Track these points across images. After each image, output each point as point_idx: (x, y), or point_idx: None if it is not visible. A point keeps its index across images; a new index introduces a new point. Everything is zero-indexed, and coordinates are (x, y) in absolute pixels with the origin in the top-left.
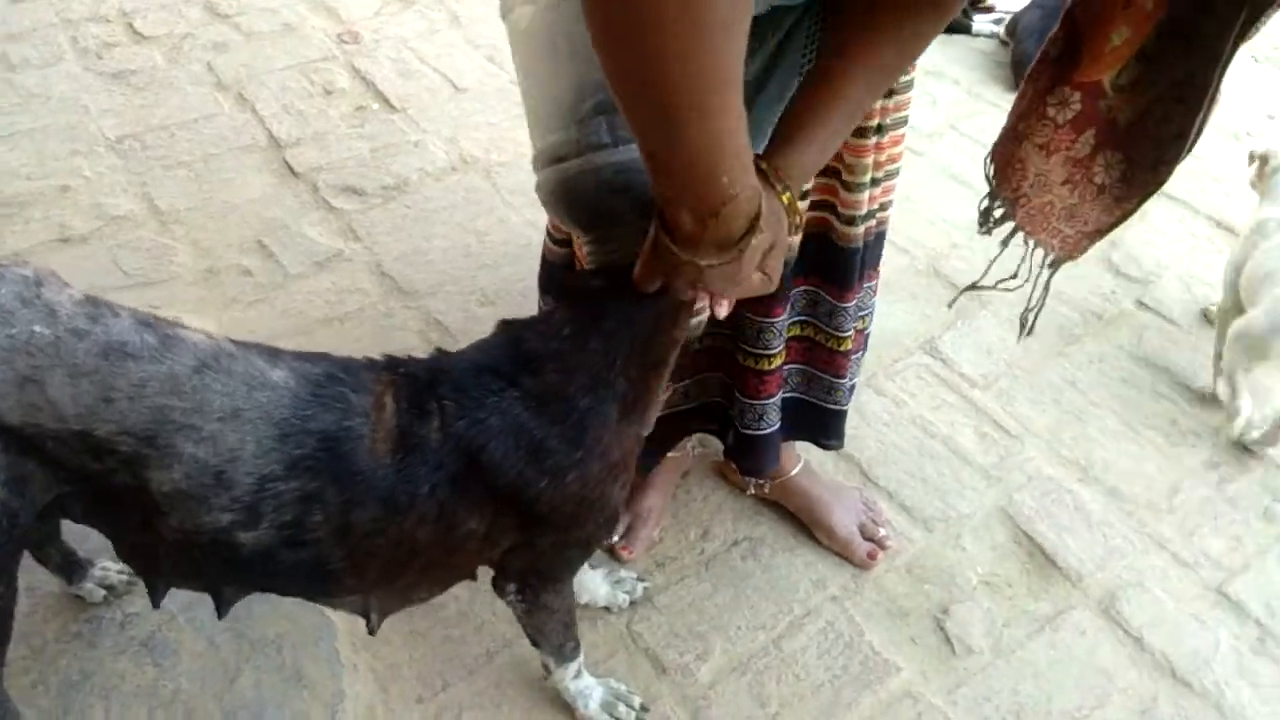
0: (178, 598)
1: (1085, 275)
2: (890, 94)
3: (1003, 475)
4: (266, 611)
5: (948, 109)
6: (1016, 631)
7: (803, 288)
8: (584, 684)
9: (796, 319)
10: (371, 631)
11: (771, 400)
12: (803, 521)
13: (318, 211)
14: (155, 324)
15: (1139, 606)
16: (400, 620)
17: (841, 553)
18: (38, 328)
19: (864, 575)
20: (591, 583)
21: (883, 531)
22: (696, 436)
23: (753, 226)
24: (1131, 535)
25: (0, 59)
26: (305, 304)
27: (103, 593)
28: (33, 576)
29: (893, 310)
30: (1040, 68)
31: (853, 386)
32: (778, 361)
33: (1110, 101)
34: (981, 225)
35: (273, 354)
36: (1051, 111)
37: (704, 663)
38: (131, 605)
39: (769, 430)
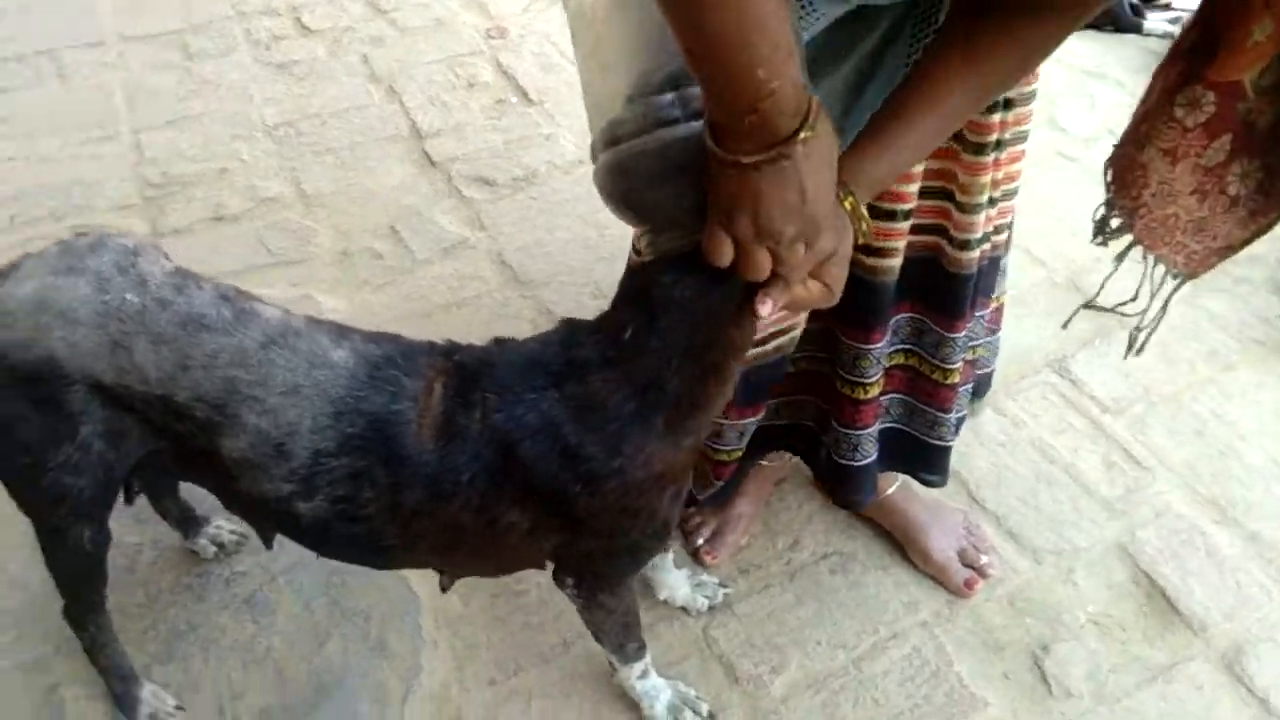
0: (280, 560)
1: (1248, 296)
2: (1009, 105)
3: (1128, 509)
4: (360, 582)
5: (1106, 112)
6: (1124, 679)
7: (907, 314)
8: (650, 684)
9: (899, 347)
10: (443, 589)
11: (867, 431)
12: (898, 541)
13: (449, 200)
14: (234, 298)
15: (1268, 664)
16: (484, 602)
17: (937, 577)
18: (129, 295)
19: (959, 603)
20: (672, 581)
21: (984, 559)
22: None
23: (803, 124)
24: (1270, 585)
25: (181, 48)
26: (429, 289)
27: (214, 549)
28: (157, 530)
29: (1022, 325)
30: (1170, 63)
31: (960, 420)
32: (874, 391)
33: (1250, 104)
34: (1096, 235)
35: (340, 334)
36: (1180, 113)
37: (778, 676)
38: (239, 564)
39: (864, 462)
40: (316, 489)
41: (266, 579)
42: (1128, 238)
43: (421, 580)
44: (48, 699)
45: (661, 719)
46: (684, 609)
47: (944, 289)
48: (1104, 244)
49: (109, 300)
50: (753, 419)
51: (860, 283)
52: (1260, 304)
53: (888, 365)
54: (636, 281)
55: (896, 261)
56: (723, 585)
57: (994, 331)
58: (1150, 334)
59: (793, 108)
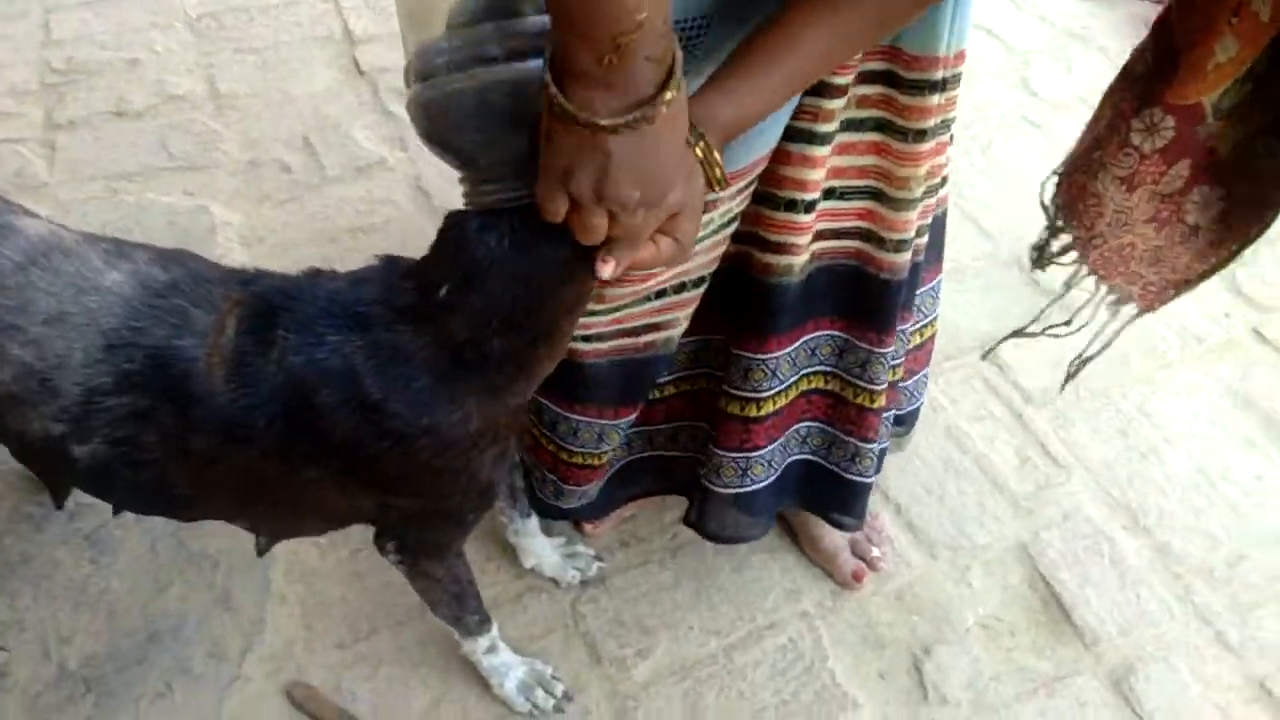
0: None
1: (1199, 292)
2: (944, 87)
3: (1035, 508)
4: (212, 527)
5: (1084, 79)
6: (1005, 688)
7: (827, 333)
8: (500, 660)
9: (818, 369)
10: (259, 553)
11: (758, 454)
12: (791, 525)
13: (373, 114)
14: None
15: (1158, 686)
16: (342, 557)
17: (825, 566)
18: None
19: (845, 595)
20: (540, 550)
21: (877, 551)
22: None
23: (665, 83)
24: (1172, 603)
25: None
26: (336, 209)
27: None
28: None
29: (957, 301)
30: (1123, 85)
31: (882, 453)
32: (768, 408)
33: (1210, 128)
34: (1035, 263)
35: (119, 253)
36: (1137, 139)
37: (644, 660)
38: (86, 497)
39: (752, 488)
40: (93, 430)
41: (113, 516)
42: (1072, 262)
43: None
44: None
45: (511, 698)
46: (554, 580)
47: (871, 298)
48: (1042, 269)
49: None
50: (614, 421)
51: (752, 283)
52: (1211, 301)
53: (806, 389)
54: (452, 235)
55: (797, 260)
56: (598, 558)
57: (921, 369)
58: (1084, 364)
59: (659, 50)
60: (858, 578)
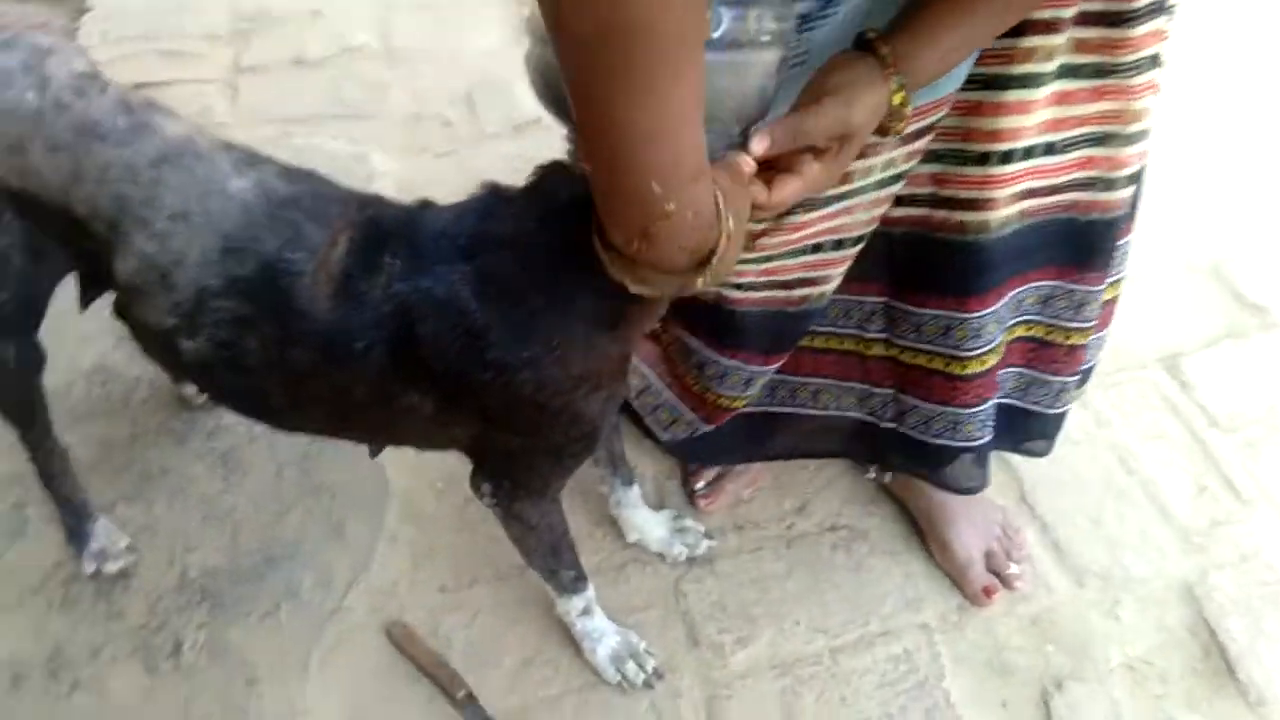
0: None
1: None
2: (1159, 11)
3: (1207, 545)
4: (336, 458)
5: None
6: None
7: (1034, 284)
8: (594, 625)
9: (1021, 319)
10: (372, 455)
11: (967, 411)
12: (920, 527)
13: None
14: (136, 108)
15: None
16: (456, 504)
17: (954, 576)
18: (29, 95)
19: (972, 611)
20: (647, 523)
21: (1014, 569)
22: None
23: (707, 260)
24: None
25: None
26: (490, 165)
27: (203, 397)
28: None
29: (1138, 309)
30: None
31: (1088, 372)
32: (974, 368)
33: None
34: None
35: (249, 162)
36: None
37: (743, 649)
38: (225, 417)
39: (965, 444)
40: (200, 328)
41: (247, 438)
42: None
43: (399, 470)
44: (12, 515)
45: (602, 666)
46: (660, 556)
47: (1090, 242)
48: None
49: (8, 98)
50: (763, 368)
51: (940, 244)
52: None
53: (1007, 339)
54: (542, 181)
55: (993, 215)
56: (708, 537)
57: (1104, 329)
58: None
59: (694, 241)
60: (989, 594)
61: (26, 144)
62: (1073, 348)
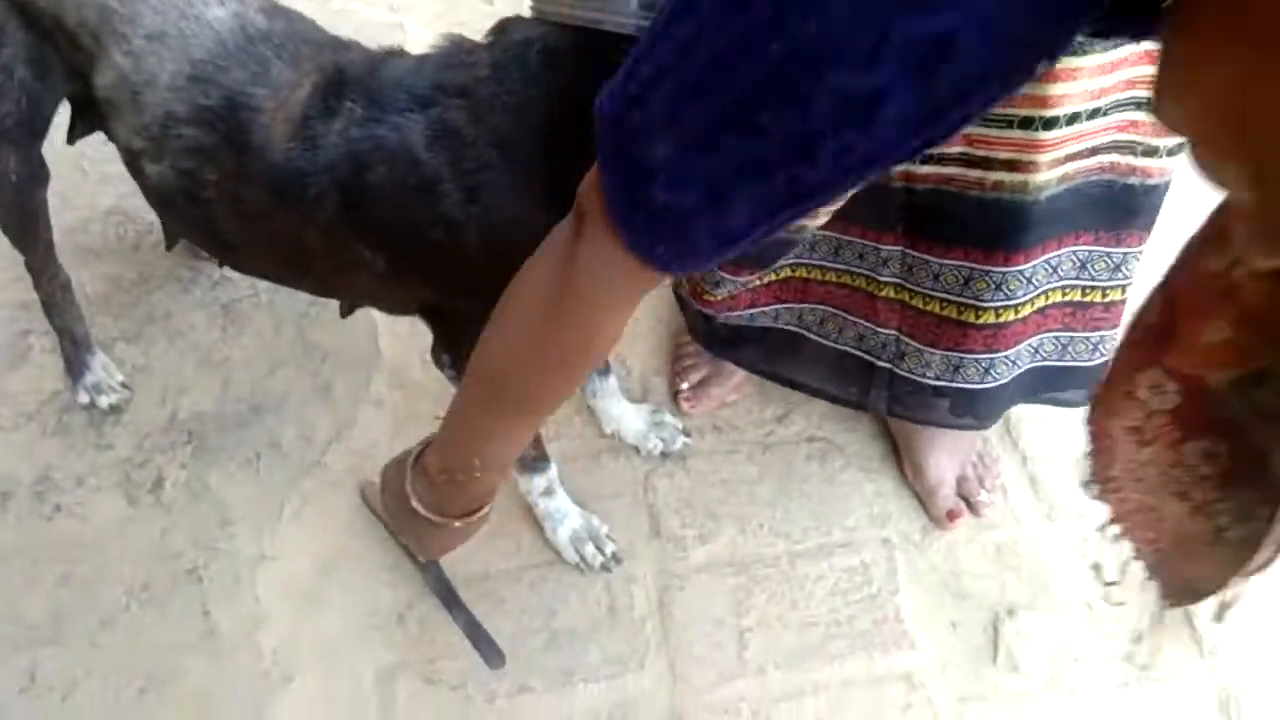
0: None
1: None
2: None
3: None
4: (331, 321)
5: None
6: (1090, 673)
7: (1071, 249)
8: (555, 505)
9: (1057, 284)
10: (343, 314)
11: (972, 356)
12: (898, 447)
13: None
14: None
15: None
16: (442, 377)
17: (923, 497)
18: None
19: (936, 534)
20: (625, 414)
21: (985, 496)
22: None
23: (471, 515)
24: None
25: None
26: None
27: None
28: None
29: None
30: (1131, 333)
31: None
32: (988, 319)
33: (1234, 412)
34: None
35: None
36: (1143, 394)
37: (703, 545)
38: (230, 271)
39: (964, 385)
40: (164, 153)
41: (250, 292)
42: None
43: (390, 339)
44: (16, 341)
45: (562, 545)
46: (635, 448)
47: (1132, 204)
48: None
49: None
50: (736, 279)
51: (973, 201)
52: None
53: (1042, 305)
54: (506, 33)
55: (1034, 178)
56: (685, 434)
57: None
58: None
59: (470, 505)
60: (953, 517)
61: None
62: (1110, 304)
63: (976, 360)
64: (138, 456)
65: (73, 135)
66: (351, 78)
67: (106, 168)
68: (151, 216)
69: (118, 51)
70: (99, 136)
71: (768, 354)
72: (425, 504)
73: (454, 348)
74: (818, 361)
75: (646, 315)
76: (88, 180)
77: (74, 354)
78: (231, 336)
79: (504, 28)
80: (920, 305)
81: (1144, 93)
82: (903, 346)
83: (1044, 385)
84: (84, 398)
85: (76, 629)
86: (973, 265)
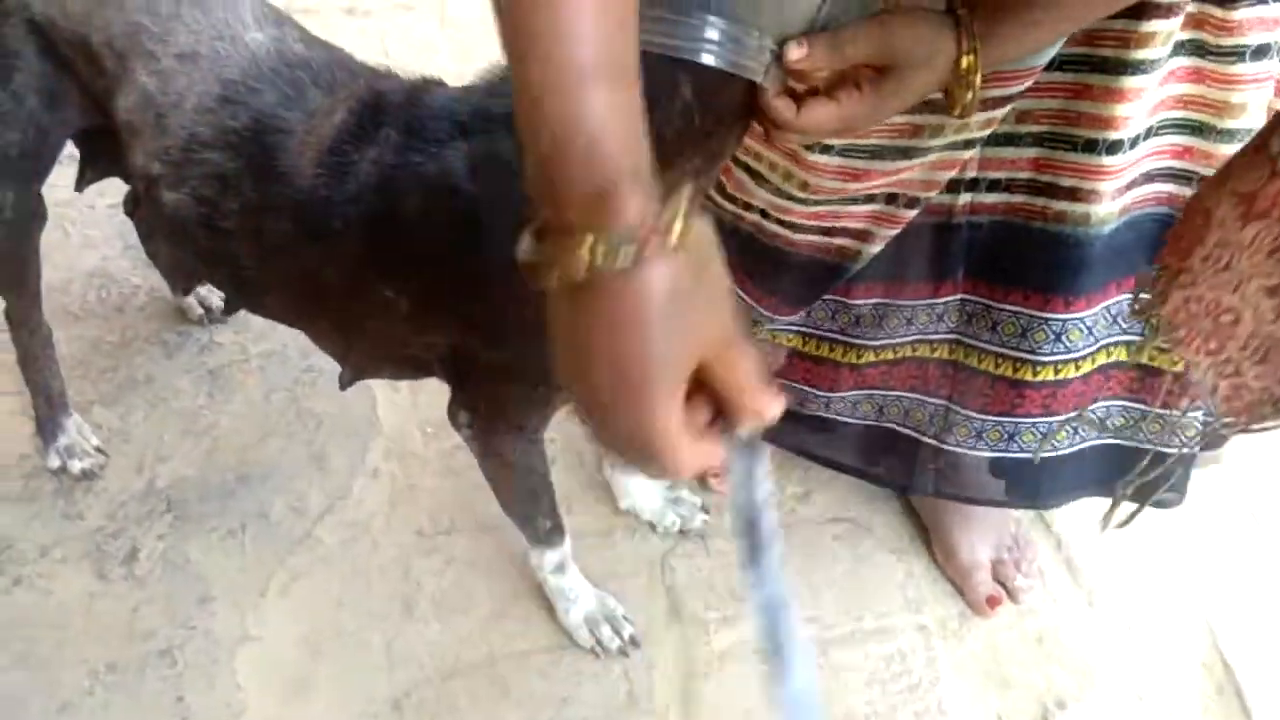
0: (262, 344)
1: None
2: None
3: (1229, 580)
4: (329, 387)
5: None
6: None
7: (1130, 295)
8: (568, 584)
9: (1119, 338)
10: (342, 385)
11: (1029, 421)
12: (926, 528)
13: None
14: None
15: None
16: (445, 449)
17: (958, 582)
18: None
19: (974, 621)
20: (641, 489)
21: (1022, 581)
22: None
23: (638, 257)
24: None
25: None
26: None
27: (200, 311)
28: (153, 276)
29: None
30: None
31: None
32: (1046, 375)
33: None
34: (1134, 303)
35: (275, 22)
36: (1277, 146)
37: (728, 629)
38: (221, 335)
39: (1017, 455)
40: (184, 180)
41: (240, 357)
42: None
43: (390, 407)
44: None
45: (575, 627)
46: (651, 525)
47: None
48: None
49: None
50: (772, 315)
51: (1032, 234)
52: None
53: (1104, 363)
54: None
55: (1097, 209)
56: (704, 511)
57: None
58: (1141, 508)
59: (591, 192)
60: (992, 604)
61: None
62: (1180, 375)
63: (1034, 425)
64: (110, 526)
65: (81, 181)
66: (390, 104)
67: (90, 230)
68: (137, 279)
69: (144, 71)
70: (83, 196)
71: (795, 431)
72: (556, 270)
73: (474, 405)
74: (853, 440)
75: None
76: (69, 241)
77: (47, 415)
78: (219, 403)
79: None
80: (975, 364)
81: (1195, 114)
82: (952, 417)
83: (1117, 470)
84: (55, 462)
85: (33, 714)
86: (1032, 313)
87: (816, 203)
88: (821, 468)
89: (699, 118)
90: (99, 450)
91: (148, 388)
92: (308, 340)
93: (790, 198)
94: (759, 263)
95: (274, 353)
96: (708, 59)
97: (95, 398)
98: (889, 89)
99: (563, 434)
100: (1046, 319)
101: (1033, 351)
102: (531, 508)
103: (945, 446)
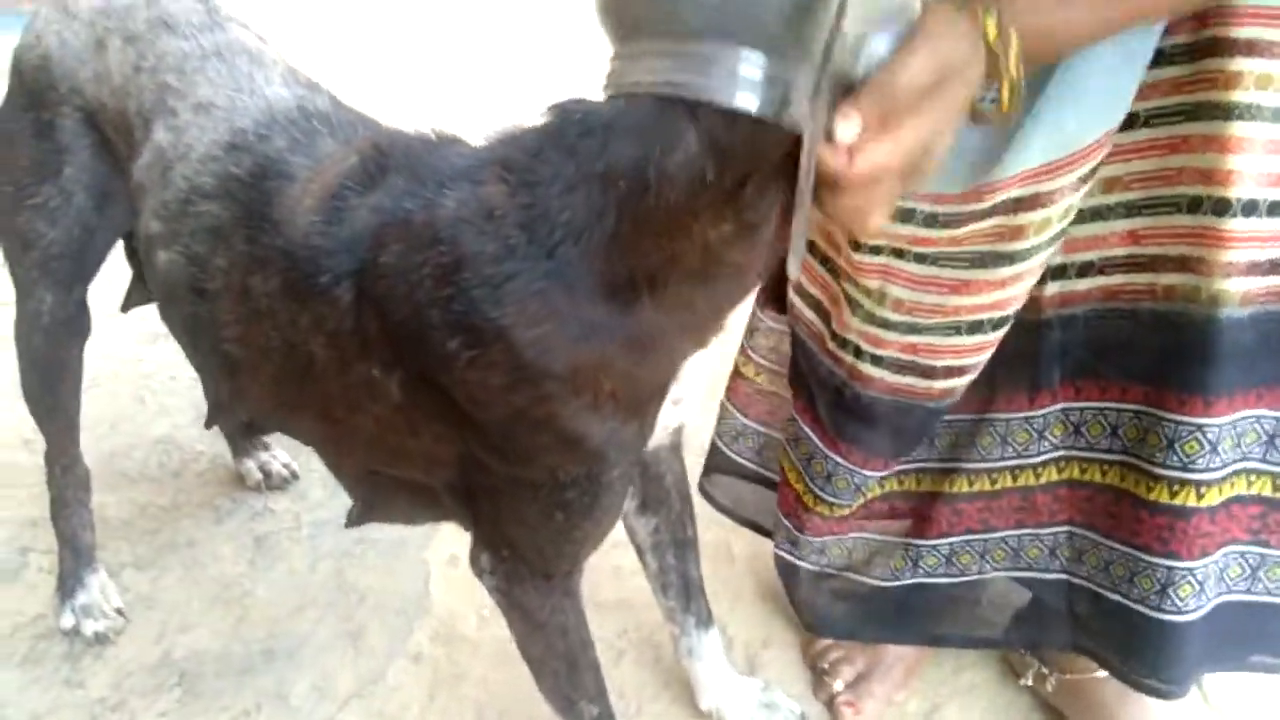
0: (317, 512)
1: None
2: None
3: None
4: (378, 561)
5: None
6: None
7: (1255, 412)
8: None
9: (1241, 465)
10: (349, 523)
11: (1182, 566)
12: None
13: None
14: (218, 13)
15: None
16: (500, 636)
17: None
18: None
19: None
20: (729, 688)
21: None
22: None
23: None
24: None
25: None
26: None
27: (259, 477)
28: (221, 445)
29: None
30: None
31: None
32: (1192, 499)
33: None
34: None
35: (308, 85)
36: None
37: None
38: (277, 503)
39: (1189, 615)
40: (178, 236)
41: (290, 525)
42: None
43: (445, 586)
44: (13, 558)
45: None
46: None
47: None
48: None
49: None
50: (877, 473)
51: (1149, 318)
52: None
53: (1229, 496)
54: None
55: (1210, 283)
56: (803, 718)
57: None
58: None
59: None
60: None
61: (108, 39)
62: None
63: (1151, 568)
64: (112, 697)
65: (129, 300)
66: (404, 152)
67: (168, 399)
68: (202, 446)
69: (162, 128)
70: (167, 368)
71: (886, 614)
72: None
73: (493, 543)
74: (960, 603)
75: (747, 576)
76: (144, 409)
77: (71, 568)
78: (259, 570)
79: (562, 107)
80: (1097, 478)
81: None
82: (1079, 541)
83: (1236, 635)
84: (68, 621)
85: None
86: (1153, 410)
87: (912, 328)
88: (951, 675)
89: (715, 172)
90: (119, 613)
91: (188, 552)
92: None
93: (884, 324)
94: (849, 415)
95: (327, 521)
96: (743, 101)
97: (130, 560)
98: (947, 96)
99: (634, 620)
100: (1161, 419)
101: (1149, 459)
102: (571, 687)
103: (1076, 580)
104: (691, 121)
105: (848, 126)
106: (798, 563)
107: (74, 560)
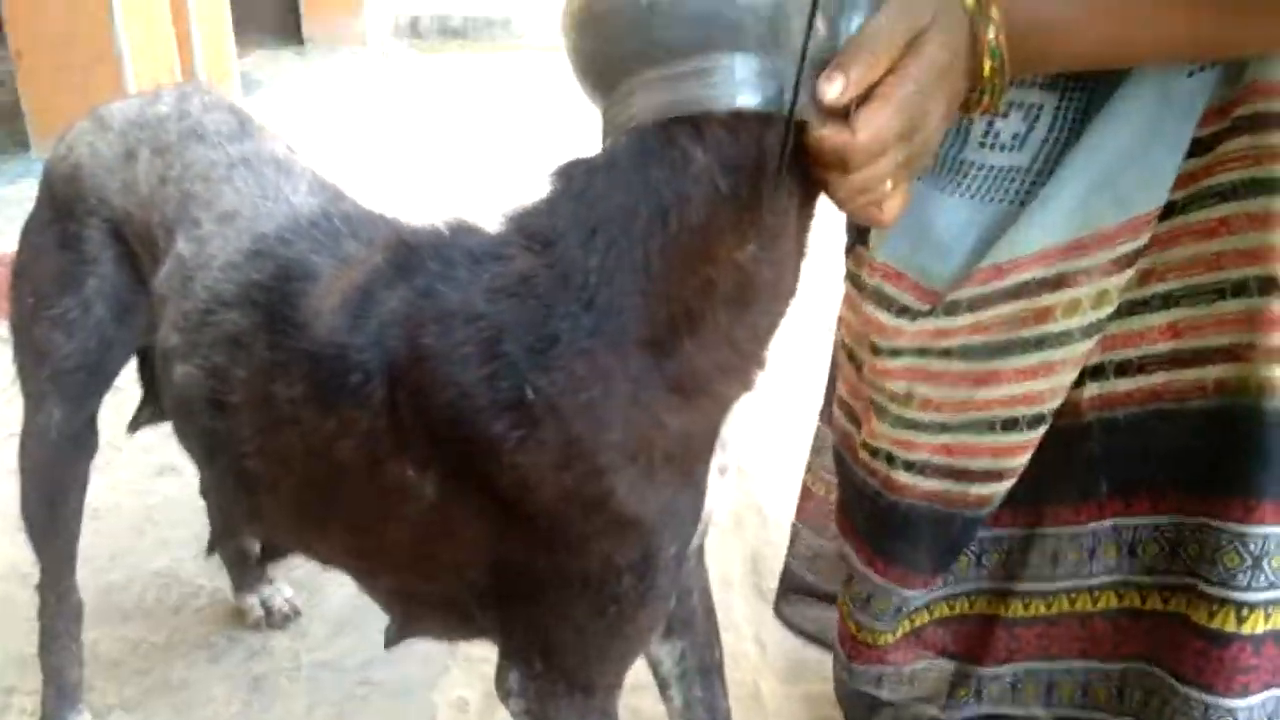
0: (318, 652)
1: None
2: None
3: None
4: (385, 706)
5: None
6: None
7: None
8: None
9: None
10: (387, 643)
11: (1239, 705)
12: None
13: None
14: (249, 124)
15: None
16: None
17: None
18: (163, 107)
19: None
20: None
21: None
22: None
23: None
24: None
25: None
26: None
27: (260, 614)
28: (222, 579)
29: None
30: None
31: None
32: (1258, 623)
33: None
34: None
35: (335, 195)
36: None
37: None
38: (277, 640)
39: None
40: (196, 348)
41: (290, 665)
42: None
43: None
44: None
45: None
46: None
47: None
48: None
49: (145, 110)
50: (918, 592)
51: (1198, 418)
52: None
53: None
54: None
55: (1265, 373)
56: None
57: None
58: None
59: None
60: None
61: (138, 149)
62: None
63: (1187, 704)
64: None
65: (137, 419)
66: (430, 243)
67: (170, 531)
68: (203, 580)
69: (184, 238)
70: (175, 504)
71: None
72: None
73: (526, 657)
74: None
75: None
76: (144, 540)
77: (54, 707)
78: (254, 712)
79: (561, 167)
80: (1159, 605)
81: None
82: (1148, 682)
83: None
84: None
85: None
86: (1216, 523)
87: (943, 428)
88: None
89: (729, 185)
90: None
91: (179, 693)
92: (370, 651)
93: (914, 425)
94: (886, 527)
95: (328, 663)
96: (745, 100)
97: (117, 702)
98: (924, 52)
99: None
100: (1238, 533)
101: (1225, 582)
102: None
103: None
104: (696, 138)
105: (833, 86)
106: (853, 687)
107: (57, 700)
